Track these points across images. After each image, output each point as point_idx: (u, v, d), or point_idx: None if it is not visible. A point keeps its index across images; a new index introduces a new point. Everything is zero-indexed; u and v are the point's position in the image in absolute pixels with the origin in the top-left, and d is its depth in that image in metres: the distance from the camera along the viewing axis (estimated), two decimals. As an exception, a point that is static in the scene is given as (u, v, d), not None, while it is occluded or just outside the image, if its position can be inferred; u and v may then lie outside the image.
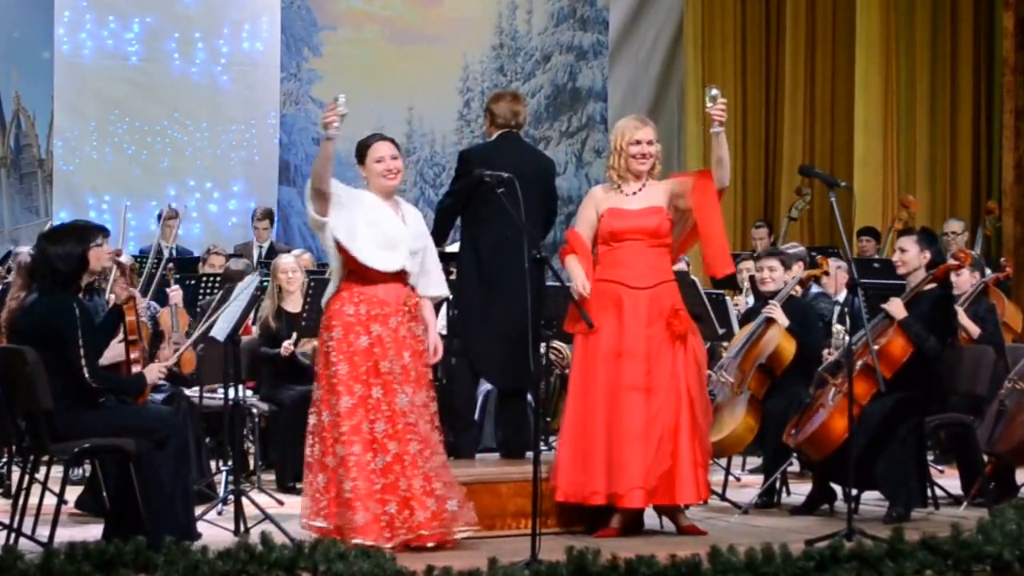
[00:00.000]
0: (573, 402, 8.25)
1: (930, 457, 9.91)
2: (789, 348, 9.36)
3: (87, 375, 7.34)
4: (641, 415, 8.06)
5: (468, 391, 8.86)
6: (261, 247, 14.15)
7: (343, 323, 7.57)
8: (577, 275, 8.18)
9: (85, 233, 7.67)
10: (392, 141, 7.88)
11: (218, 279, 11.19)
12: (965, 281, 10.04)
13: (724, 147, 8.20)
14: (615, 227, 8.23)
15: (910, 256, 8.97)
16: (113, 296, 8.26)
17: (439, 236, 8.56)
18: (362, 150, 7.80)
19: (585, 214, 8.38)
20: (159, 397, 8.86)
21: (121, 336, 7.90)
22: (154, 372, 7.79)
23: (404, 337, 7.62)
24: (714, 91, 8.17)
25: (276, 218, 14.94)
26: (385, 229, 7.65)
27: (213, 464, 9.93)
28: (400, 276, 7.67)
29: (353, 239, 7.59)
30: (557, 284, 8.15)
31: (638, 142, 8.25)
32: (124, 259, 8.89)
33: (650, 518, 8.36)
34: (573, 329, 8.30)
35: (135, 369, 7.85)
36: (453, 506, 7.56)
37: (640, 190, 8.28)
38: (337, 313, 7.60)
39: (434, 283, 7.91)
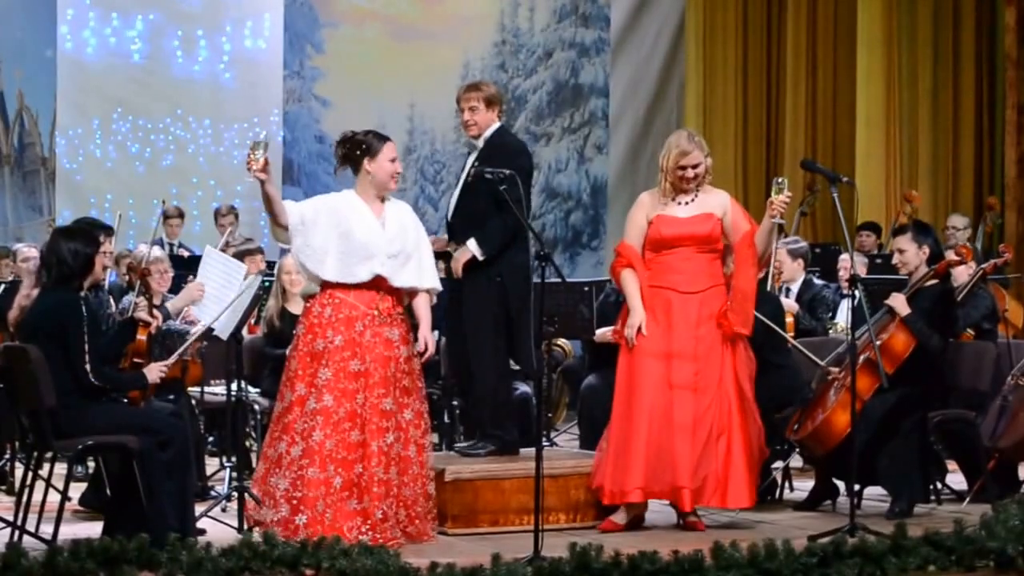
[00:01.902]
0: (618, 402, 8.28)
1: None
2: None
3: (89, 372, 7.36)
4: (689, 414, 8.12)
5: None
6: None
7: (308, 324, 7.71)
8: (636, 310, 8.19)
9: (95, 235, 7.75)
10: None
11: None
12: (962, 273, 10.04)
13: (773, 234, 8.31)
14: (664, 233, 8.26)
15: (909, 255, 8.97)
16: (135, 306, 8.32)
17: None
18: (375, 145, 7.76)
19: (636, 223, 8.36)
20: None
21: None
22: (155, 372, 7.80)
23: (369, 343, 7.64)
24: (780, 180, 8.20)
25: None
26: (359, 237, 7.66)
27: (216, 461, 9.94)
28: (376, 282, 7.69)
29: (321, 263, 7.68)
30: (559, 280, 8.15)
31: (683, 167, 8.24)
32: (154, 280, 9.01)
33: (651, 515, 8.38)
34: (620, 338, 8.34)
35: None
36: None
37: (693, 199, 8.30)
38: (307, 312, 7.74)
39: (427, 276, 7.89)
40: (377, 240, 7.68)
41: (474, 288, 8.45)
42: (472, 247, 8.34)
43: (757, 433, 8.32)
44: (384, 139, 7.83)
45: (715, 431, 8.15)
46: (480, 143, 8.53)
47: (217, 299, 8.62)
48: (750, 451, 8.24)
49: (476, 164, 8.38)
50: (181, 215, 14.46)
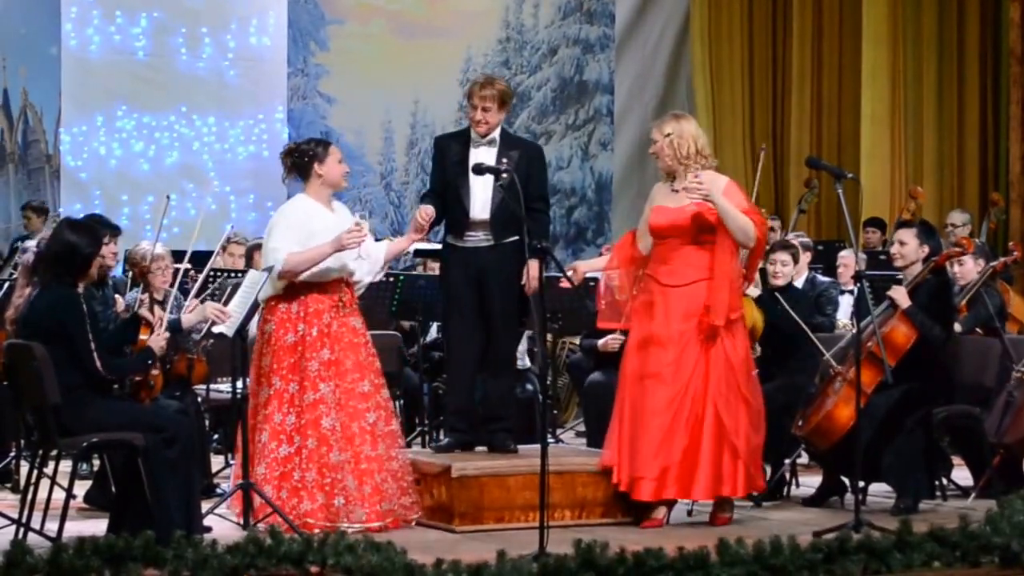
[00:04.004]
0: (616, 393, 8.44)
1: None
2: (758, 319, 9.27)
3: (100, 367, 7.36)
4: (656, 404, 8.12)
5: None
6: None
7: (277, 319, 8.11)
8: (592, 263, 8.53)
9: (99, 234, 7.73)
10: None
11: (235, 273, 11.15)
12: (969, 270, 10.03)
13: (726, 220, 8.19)
14: (654, 223, 8.36)
15: (909, 249, 8.97)
16: (140, 303, 8.36)
17: None
18: (324, 148, 8.22)
19: (644, 212, 8.53)
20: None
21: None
22: (159, 340, 7.79)
23: (337, 332, 8.08)
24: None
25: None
26: (327, 238, 8.03)
27: (222, 458, 9.94)
28: (340, 278, 8.17)
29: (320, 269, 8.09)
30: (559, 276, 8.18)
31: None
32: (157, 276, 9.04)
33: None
34: (605, 324, 8.60)
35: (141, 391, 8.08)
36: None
37: (685, 187, 8.31)
38: (273, 309, 8.12)
39: (363, 270, 8.31)
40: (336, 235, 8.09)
41: (509, 282, 8.56)
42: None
43: (745, 425, 8.27)
44: (329, 144, 8.33)
45: (681, 423, 8.16)
46: (496, 137, 8.56)
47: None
48: (722, 444, 8.21)
49: (503, 161, 8.41)
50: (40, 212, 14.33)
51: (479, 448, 8.67)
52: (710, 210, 8.21)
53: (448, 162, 8.56)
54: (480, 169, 8.18)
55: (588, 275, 8.57)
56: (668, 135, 8.34)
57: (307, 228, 8.03)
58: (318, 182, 8.20)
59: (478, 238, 8.51)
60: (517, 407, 9.11)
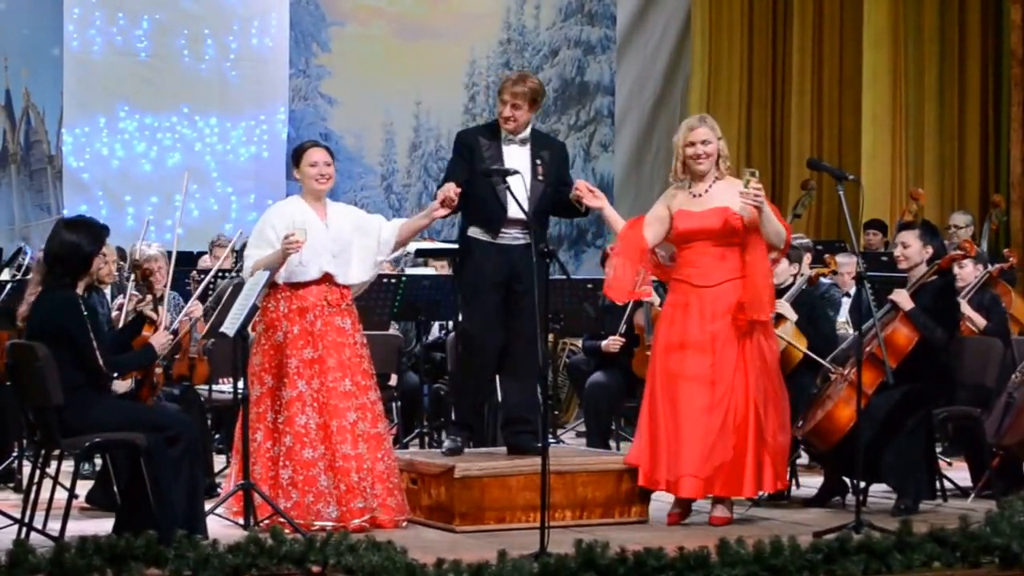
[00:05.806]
0: (645, 392, 8.47)
1: (938, 449, 9.91)
2: (799, 348, 9.37)
3: (103, 366, 7.38)
4: (701, 405, 8.21)
5: None
6: None
7: (267, 319, 8.22)
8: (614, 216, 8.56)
9: (99, 232, 7.69)
10: (327, 149, 8.42)
11: (224, 273, 11.17)
12: (969, 273, 10.05)
13: (767, 224, 8.24)
14: (681, 228, 8.35)
15: (912, 251, 8.99)
16: (135, 303, 8.38)
17: None
18: (298, 155, 8.35)
19: (656, 208, 8.50)
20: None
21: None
22: (161, 338, 7.81)
23: (321, 331, 8.15)
24: (754, 172, 8.23)
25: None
26: (306, 240, 8.05)
27: (223, 458, 9.95)
28: (323, 277, 8.22)
29: (287, 271, 8.17)
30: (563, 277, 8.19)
31: (692, 143, 8.33)
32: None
33: (655, 511, 8.40)
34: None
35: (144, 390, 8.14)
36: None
37: (707, 190, 8.35)
38: (264, 310, 8.20)
39: (354, 271, 8.32)
40: (323, 239, 8.17)
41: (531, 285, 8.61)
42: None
43: (776, 424, 8.33)
44: (306, 146, 8.40)
45: (730, 423, 8.20)
46: (528, 135, 8.50)
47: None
48: (760, 443, 8.27)
49: (537, 161, 8.42)
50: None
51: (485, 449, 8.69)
52: (734, 213, 8.23)
53: (478, 158, 8.39)
54: (488, 172, 8.18)
55: (583, 277, 8.55)
56: (720, 138, 8.37)
57: (279, 231, 8.09)
58: (303, 186, 8.37)
59: (514, 235, 8.42)
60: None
